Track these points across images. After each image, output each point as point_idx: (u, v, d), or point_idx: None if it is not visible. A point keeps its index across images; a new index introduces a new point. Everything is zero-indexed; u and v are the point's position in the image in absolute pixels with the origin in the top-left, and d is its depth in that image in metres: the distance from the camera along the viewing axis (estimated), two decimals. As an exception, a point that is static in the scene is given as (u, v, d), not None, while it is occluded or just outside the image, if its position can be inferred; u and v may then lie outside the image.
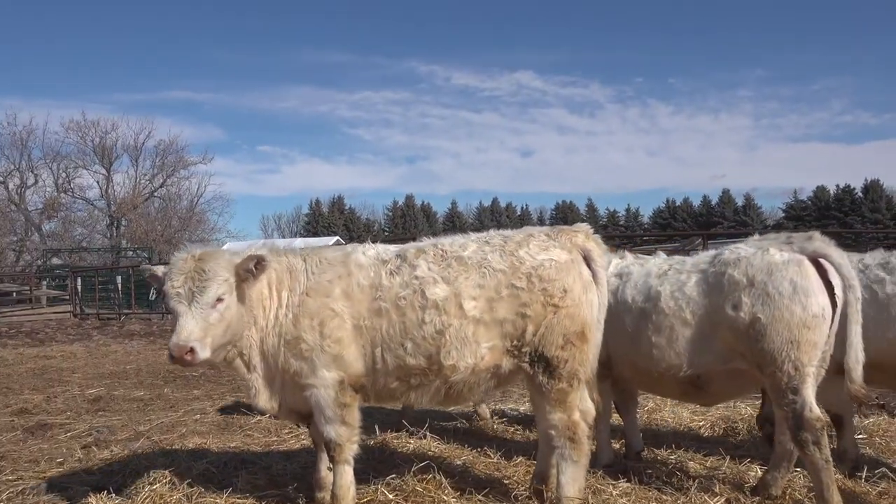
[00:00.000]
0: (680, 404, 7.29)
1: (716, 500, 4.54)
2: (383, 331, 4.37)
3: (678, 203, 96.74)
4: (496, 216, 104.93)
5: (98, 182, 51.49)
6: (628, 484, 5.00)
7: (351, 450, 4.51)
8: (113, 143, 51.22)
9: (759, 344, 4.51)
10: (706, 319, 4.78)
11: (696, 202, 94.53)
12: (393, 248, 4.69)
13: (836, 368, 4.61)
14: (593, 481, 4.95)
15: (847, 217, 75.10)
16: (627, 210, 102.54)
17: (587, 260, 4.55)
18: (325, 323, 4.37)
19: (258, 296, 4.45)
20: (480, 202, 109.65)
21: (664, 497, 4.72)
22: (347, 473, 4.52)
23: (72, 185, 50.17)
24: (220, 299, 4.22)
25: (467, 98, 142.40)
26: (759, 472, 5.14)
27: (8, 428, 7.72)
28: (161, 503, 4.67)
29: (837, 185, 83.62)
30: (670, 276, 5.05)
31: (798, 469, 5.00)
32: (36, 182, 48.68)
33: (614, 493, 4.79)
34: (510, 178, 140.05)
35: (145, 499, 4.71)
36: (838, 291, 4.50)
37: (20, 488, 5.55)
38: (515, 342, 4.39)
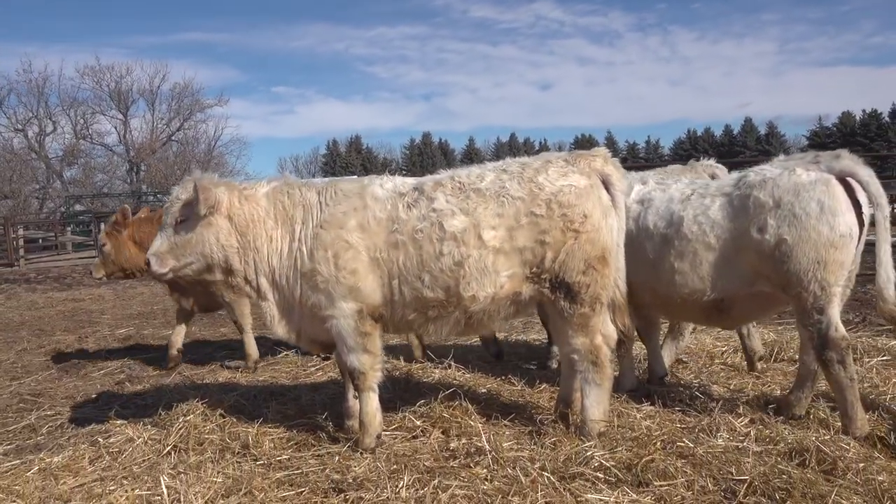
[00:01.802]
0: (703, 330, 7.30)
1: (740, 420, 4.57)
2: (400, 263, 4.39)
3: (699, 133, 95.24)
4: (514, 152, 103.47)
5: (115, 127, 51.48)
6: (652, 407, 5.05)
7: (374, 377, 4.59)
8: (128, 87, 50.98)
9: (785, 265, 4.49)
10: (731, 243, 4.75)
11: (718, 132, 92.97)
12: (410, 181, 4.68)
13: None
14: (617, 405, 5.01)
15: (873, 143, 73.55)
16: (647, 142, 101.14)
17: (606, 184, 4.52)
18: (340, 255, 4.40)
19: (256, 224, 4.56)
20: (498, 138, 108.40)
21: (688, 419, 4.77)
22: (373, 400, 4.60)
23: (90, 132, 50.19)
24: (181, 220, 4.57)
25: (485, 31, 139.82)
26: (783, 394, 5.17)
27: (43, 367, 7.93)
28: (195, 433, 4.79)
29: (864, 111, 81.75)
30: (693, 200, 4.98)
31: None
32: (55, 129, 48.72)
33: (638, 416, 4.85)
34: (529, 112, 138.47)
35: (180, 429, 4.84)
36: (865, 210, 4.45)
37: (59, 422, 5.73)
38: (535, 269, 4.40)
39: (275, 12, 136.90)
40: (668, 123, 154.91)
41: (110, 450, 4.70)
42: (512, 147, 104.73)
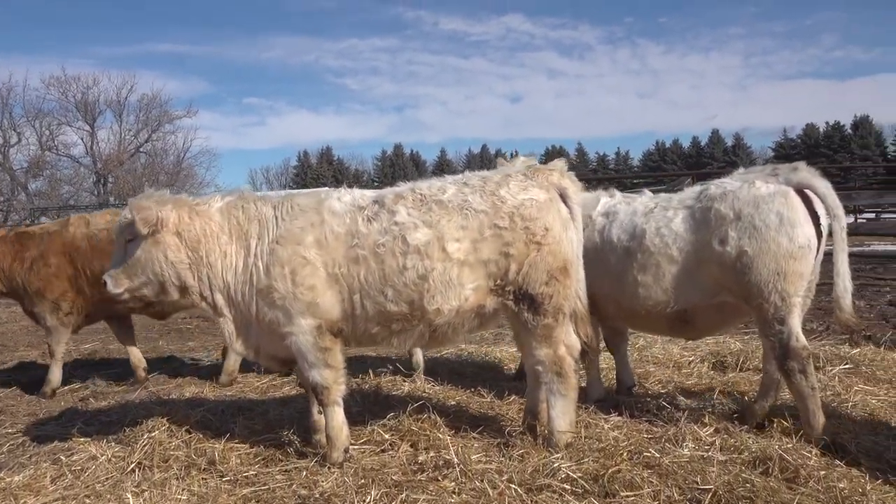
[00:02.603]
0: (671, 341, 7.39)
1: (705, 430, 4.62)
2: (361, 278, 4.38)
3: (668, 145, 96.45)
4: (486, 163, 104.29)
5: (82, 139, 50.74)
6: (620, 418, 5.09)
7: (338, 391, 4.57)
8: (95, 98, 50.32)
9: (746, 276, 4.57)
10: (692, 255, 4.82)
11: (686, 144, 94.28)
12: (370, 194, 4.67)
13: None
14: (585, 416, 5.04)
15: (836, 154, 75.23)
16: (617, 153, 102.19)
17: (563, 197, 4.59)
18: (297, 271, 4.38)
19: (209, 239, 4.54)
20: (470, 149, 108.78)
21: (655, 429, 4.81)
22: (338, 414, 4.58)
23: (56, 143, 49.40)
24: (130, 240, 4.58)
25: (455, 44, 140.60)
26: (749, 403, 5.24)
27: (5, 383, 7.76)
28: (161, 449, 4.72)
29: (827, 123, 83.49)
30: (656, 213, 5.06)
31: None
32: (19, 140, 47.86)
33: (606, 426, 4.87)
34: (500, 124, 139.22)
35: (144, 446, 4.77)
36: (823, 221, 4.55)
37: (20, 440, 5.61)
38: (499, 281, 4.43)
39: (245, 24, 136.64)
40: (637, 135, 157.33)
41: (73, 468, 4.61)
42: (483, 159, 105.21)
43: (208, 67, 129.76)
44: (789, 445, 4.30)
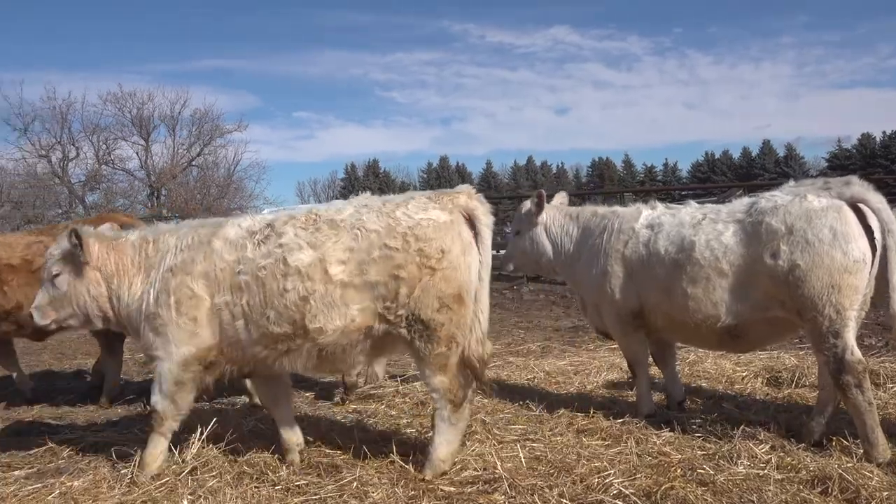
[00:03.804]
0: (723, 356, 7.25)
1: (761, 447, 4.53)
2: (244, 303, 4.40)
3: (717, 156, 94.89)
4: (531, 175, 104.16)
5: (137, 153, 52.08)
6: (672, 433, 5.01)
7: (170, 426, 4.68)
8: (150, 113, 51.65)
9: (799, 290, 4.51)
10: (744, 269, 4.77)
11: (737, 155, 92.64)
12: (270, 217, 4.67)
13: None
14: (636, 431, 4.98)
15: (894, 164, 72.93)
16: (665, 164, 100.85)
17: (472, 220, 4.51)
18: (182, 301, 4.45)
19: (120, 272, 4.70)
20: (515, 161, 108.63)
21: (708, 445, 4.73)
22: (160, 444, 4.69)
23: (112, 157, 50.77)
24: (56, 274, 4.77)
25: (502, 56, 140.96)
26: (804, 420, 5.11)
27: (64, 391, 7.98)
28: (214, 457, 4.76)
29: (884, 132, 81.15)
30: (705, 225, 5.00)
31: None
32: (77, 155, 49.31)
33: (658, 441, 4.81)
34: (545, 135, 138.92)
35: (199, 454, 4.83)
36: (877, 235, 4.46)
37: (80, 446, 5.75)
38: (389, 304, 4.35)
39: (294, 39, 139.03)
40: (685, 146, 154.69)
41: (130, 474, 4.71)
42: (529, 171, 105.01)
43: (259, 82, 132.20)
44: (849, 464, 4.19)
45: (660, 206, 5.55)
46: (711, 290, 4.89)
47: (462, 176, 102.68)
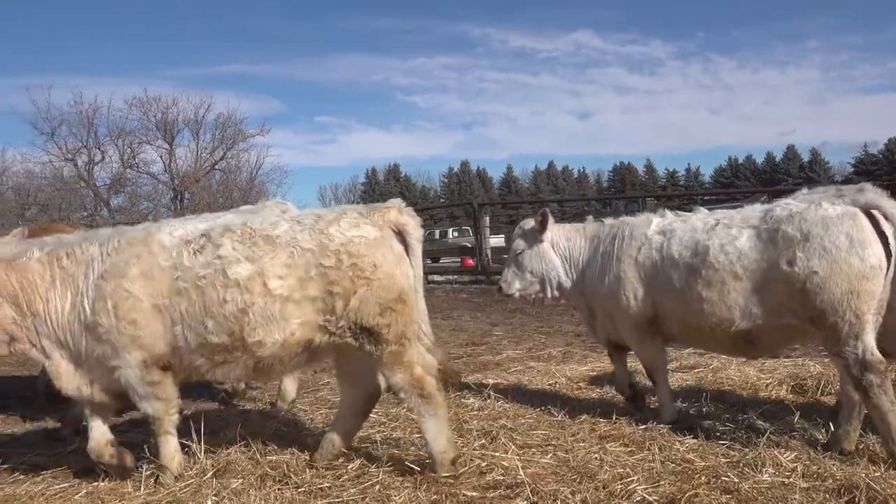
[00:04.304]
0: (746, 363, 7.19)
1: (786, 455, 4.48)
2: (183, 310, 4.41)
3: (741, 161, 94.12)
4: (552, 180, 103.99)
5: (161, 157, 52.64)
6: (695, 440, 4.98)
7: (170, 422, 4.69)
8: (174, 117, 52.18)
9: (818, 297, 4.55)
10: (759, 274, 4.80)
11: (760, 160, 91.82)
12: (203, 227, 4.67)
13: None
14: (660, 438, 4.96)
15: (921, 170, 71.90)
16: (688, 170, 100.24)
17: (402, 234, 4.61)
18: (119, 305, 4.42)
19: (27, 290, 4.56)
20: (536, 166, 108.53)
21: (732, 453, 4.69)
22: (170, 443, 4.70)
23: (136, 161, 51.35)
24: None
25: (524, 61, 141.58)
26: (830, 428, 5.05)
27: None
28: (238, 459, 4.84)
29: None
30: (719, 230, 5.04)
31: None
32: (103, 158, 49.93)
33: (681, 448, 4.78)
34: (567, 140, 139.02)
35: (222, 455, 4.91)
36: (892, 241, 4.54)
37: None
38: (329, 317, 4.42)
39: (317, 45, 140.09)
40: (708, 151, 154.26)
41: (153, 475, 4.77)
42: (550, 176, 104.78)
43: (282, 87, 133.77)
44: (877, 473, 4.13)
45: (669, 214, 5.60)
46: (726, 293, 4.91)
47: (483, 180, 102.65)
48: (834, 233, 4.54)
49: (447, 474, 4.41)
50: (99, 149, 49.72)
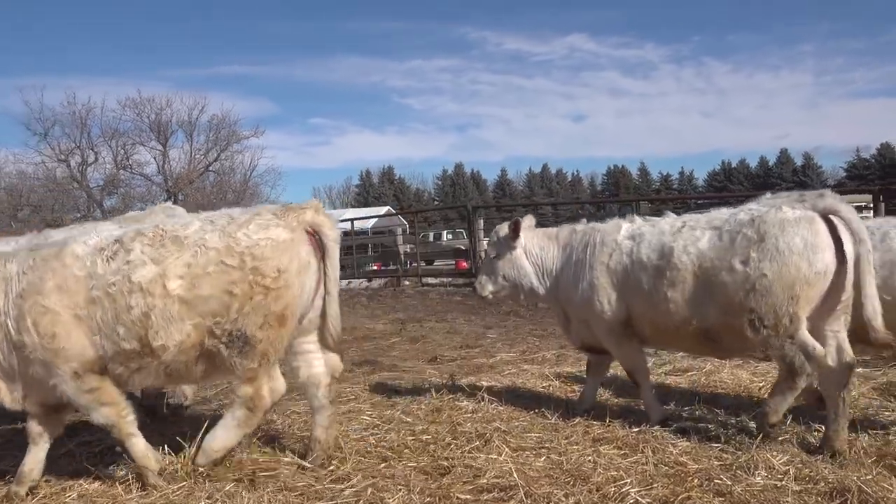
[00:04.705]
0: (739, 366, 7.23)
1: (779, 458, 4.50)
2: (98, 319, 4.38)
3: (734, 165, 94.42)
4: (546, 183, 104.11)
5: (155, 158, 52.52)
6: (689, 443, 4.99)
7: (127, 425, 4.64)
8: (168, 119, 52.07)
9: (764, 298, 4.74)
10: (715, 274, 4.98)
11: (754, 164, 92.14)
12: (118, 233, 4.64)
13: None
14: (653, 441, 4.97)
15: (913, 175, 72.23)
16: (681, 173, 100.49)
17: (319, 234, 4.61)
18: (38, 321, 4.38)
19: None
20: (530, 169, 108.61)
21: (725, 456, 4.70)
22: (138, 444, 4.66)
23: (130, 162, 51.24)
24: None
25: (519, 63, 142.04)
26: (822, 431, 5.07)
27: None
28: (229, 461, 4.82)
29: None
30: (684, 232, 5.25)
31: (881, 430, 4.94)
32: (96, 159, 49.80)
33: (675, 451, 4.79)
34: (561, 143, 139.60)
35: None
36: (848, 246, 4.67)
37: (98, 449, 5.80)
38: (218, 319, 4.40)
39: (312, 46, 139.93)
40: (702, 155, 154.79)
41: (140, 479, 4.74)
42: (544, 178, 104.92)
43: (276, 89, 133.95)
44: (869, 477, 4.15)
45: (638, 219, 5.73)
46: (687, 293, 5.10)
47: (477, 183, 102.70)
48: (790, 234, 4.71)
49: (201, 462, 4.57)
50: (92, 150, 49.58)
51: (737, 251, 4.87)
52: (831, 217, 4.74)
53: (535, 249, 6.24)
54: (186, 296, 4.37)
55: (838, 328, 4.85)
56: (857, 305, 4.69)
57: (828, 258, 4.68)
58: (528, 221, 6.45)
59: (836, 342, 4.83)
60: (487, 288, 6.51)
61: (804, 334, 4.74)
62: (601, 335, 5.77)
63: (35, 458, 4.75)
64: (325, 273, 4.67)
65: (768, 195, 5.25)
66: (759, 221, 4.85)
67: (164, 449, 4.95)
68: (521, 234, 6.28)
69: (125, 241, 4.50)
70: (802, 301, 4.68)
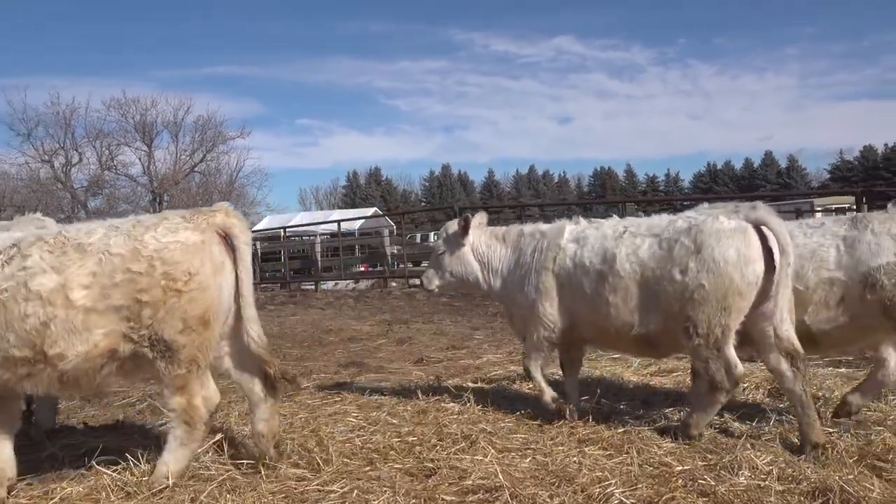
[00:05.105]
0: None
1: (762, 458, 4.52)
2: None
3: (720, 167, 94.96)
4: (533, 184, 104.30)
5: (140, 158, 52.24)
6: (673, 444, 5.02)
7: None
8: (153, 119, 51.84)
9: (701, 308, 4.92)
10: (655, 283, 5.16)
11: (739, 165, 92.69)
12: (18, 236, 4.57)
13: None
14: (638, 441, 4.99)
15: (895, 177, 72.96)
16: (667, 175, 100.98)
17: (230, 238, 4.56)
18: None
19: None
20: (517, 170, 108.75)
21: (710, 456, 4.72)
22: (5, 450, 4.66)
23: (115, 163, 50.96)
24: None
25: (506, 65, 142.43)
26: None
27: (65, 397, 7.98)
28: (213, 464, 4.81)
29: (886, 144, 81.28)
30: (625, 239, 5.40)
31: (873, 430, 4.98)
32: (80, 160, 49.52)
33: (659, 452, 4.81)
34: (548, 145, 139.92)
35: (198, 460, 4.85)
36: (776, 255, 4.87)
37: (81, 451, 5.76)
38: (133, 325, 4.33)
39: (299, 47, 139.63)
40: (688, 157, 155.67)
41: (131, 480, 4.71)
42: (531, 180, 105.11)
43: (262, 89, 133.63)
44: (850, 476, 4.18)
45: (583, 221, 5.89)
46: (629, 299, 5.27)
47: (464, 184, 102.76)
48: (725, 245, 4.89)
49: (153, 491, 4.42)
50: (76, 150, 49.31)
51: (675, 260, 5.04)
52: (762, 228, 4.94)
53: (482, 248, 6.35)
54: (93, 305, 4.25)
55: (788, 327, 4.93)
56: None
57: (759, 269, 4.87)
58: (478, 219, 6.53)
59: (787, 338, 4.91)
60: (434, 282, 6.67)
61: (730, 350, 4.96)
62: (529, 330, 5.94)
63: (1, 457, 4.67)
64: (237, 276, 4.58)
65: (706, 205, 5.47)
66: (695, 231, 5.02)
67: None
68: (471, 232, 6.37)
69: (22, 247, 4.37)
70: (734, 312, 4.87)
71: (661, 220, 5.42)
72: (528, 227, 6.23)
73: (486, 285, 6.36)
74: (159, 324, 4.32)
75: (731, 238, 4.90)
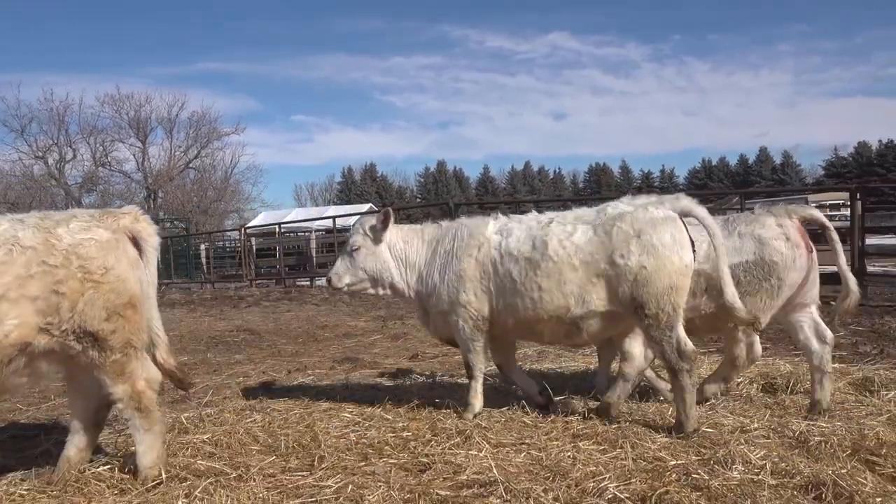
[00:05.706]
0: (717, 361, 7.26)
1: (755, 453, 4.54)
2: None
3: (714, 163, 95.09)
4: (528, 180, 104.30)
5: (134, 155, 52.25)
6: (667, 438, 5.03)
7: None
8: (147, 115, 51.81)
9: (644, 289, 5.16)
10: (593, 267, 5.33)
11: (734, 162, 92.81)
12: None
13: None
14: (632, 436, 5.00)
15: (890, 173, 73.21)
16: (662, 171, 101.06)
17: (137, 240, 4.58)
18: None
19: None
20: (512, 166, 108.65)
21: (703, 451, 4.73)
22: None
23: (109, 159, 51.02)
24: None
25: (501, 61, 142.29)
26: (801, 426, 5.13)
27: (58, 393, 7.97)
28: (206, 459, 4.81)
29: (880, 141, 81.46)
30: (554, 227, 5.53)
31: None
32: (74, 156, 49.56)
33: (653, 446, 4.82)
34: (543, 141, 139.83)
35: (191, 455, 4.86)
36: (698, 245, 5.32)
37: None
38: (50, 318, 4.29)
39: (294, 43, 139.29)
40: (683, 153, 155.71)
41: (124, 475, 4.71)
42: (526, 176, 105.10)
43: (257, 86, 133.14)
44: (844, 470, 4.19)
45: (503, 217, 5.99)
46: (563, 283, 5.39)
47: (459, 180, 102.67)
48: (661, 231, 5.17)
49: (147, 482, 4.43)
50: (70, 147, 49.30)
51: (616, 245, 5.23)
52: (685, 219, 5.26)
53: (399, 243, 6.25)
54: (6, 294, 4.16)
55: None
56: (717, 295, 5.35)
57: (690, 253, 5.20)
58: (391, 216, 6.40)
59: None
60: (344, 280, 6.36)
61: (680, 329, 5.18)
62: (455, 324, 5.90)
63: None
64: (142, 279, 4.56)
65: (629, 197, 5.62)
66: (631, 218, 5.25)
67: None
68: (389, 227, 6.25)
69: None
70: (680, 291, 5.15)
71: (586, 210, 5.66)
72: (447, 222, 6.24)
73: (403, 283, 6.20)
74: (80, 315, 4.30)
75: (664, 224, 5.19)
